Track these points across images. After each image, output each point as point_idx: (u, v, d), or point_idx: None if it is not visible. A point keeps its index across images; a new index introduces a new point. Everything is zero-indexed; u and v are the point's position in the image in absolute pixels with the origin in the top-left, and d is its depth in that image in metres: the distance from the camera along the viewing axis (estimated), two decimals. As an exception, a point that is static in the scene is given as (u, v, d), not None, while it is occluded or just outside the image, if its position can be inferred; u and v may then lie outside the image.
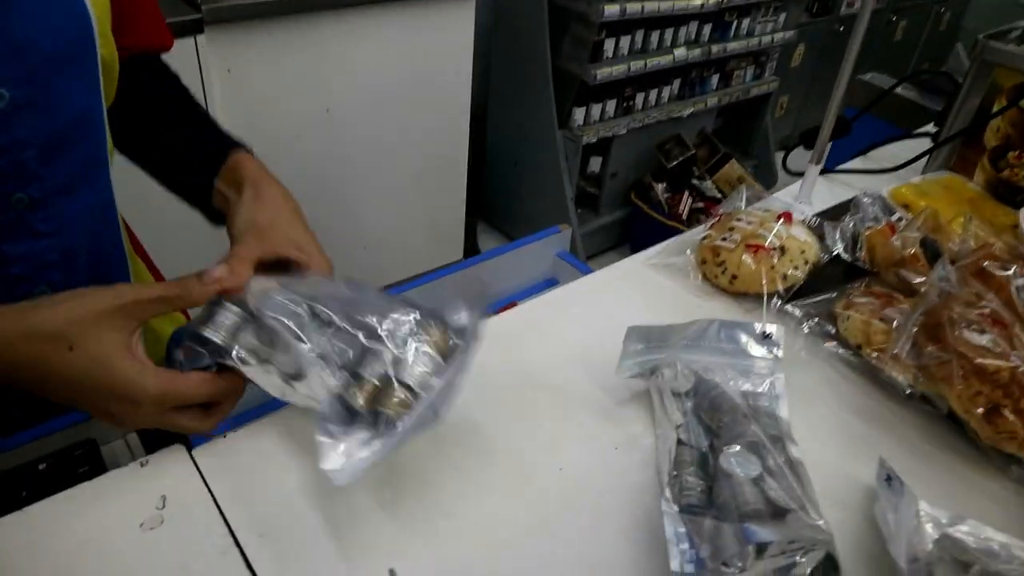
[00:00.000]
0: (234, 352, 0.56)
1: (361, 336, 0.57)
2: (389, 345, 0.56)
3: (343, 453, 0.52)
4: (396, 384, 0.55)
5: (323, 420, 0.53)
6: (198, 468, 0.60)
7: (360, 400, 0.54)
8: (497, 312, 1.14)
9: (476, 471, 0.62)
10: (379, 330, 0.57)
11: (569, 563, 0.56)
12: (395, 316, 0.58)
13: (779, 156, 3.38)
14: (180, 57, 1.56)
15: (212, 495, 0.58)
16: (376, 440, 0.53)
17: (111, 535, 0.54)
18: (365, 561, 0.54)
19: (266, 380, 0.57)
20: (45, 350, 0.48)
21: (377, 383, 0.55)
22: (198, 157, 0.70)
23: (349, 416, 0.54)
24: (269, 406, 0.77)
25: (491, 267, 1.18)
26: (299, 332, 0.56)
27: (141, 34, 0.70)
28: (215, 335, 0.56)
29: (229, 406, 0.58)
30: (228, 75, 1.67)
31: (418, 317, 0.58)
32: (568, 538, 0.58)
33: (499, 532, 0.58)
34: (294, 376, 0.57)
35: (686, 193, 2.62)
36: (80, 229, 0.63)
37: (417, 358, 0.56)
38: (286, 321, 0.56)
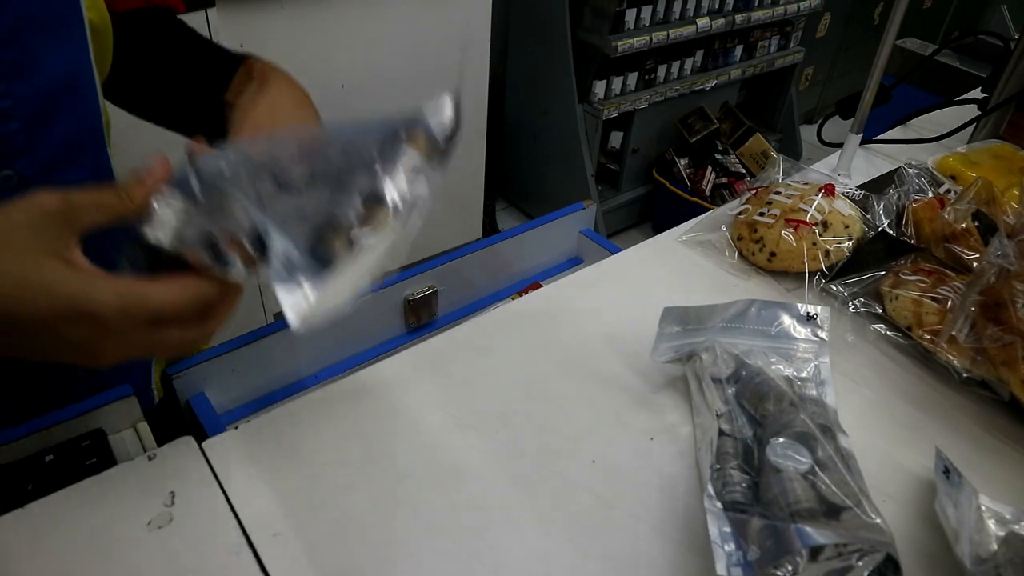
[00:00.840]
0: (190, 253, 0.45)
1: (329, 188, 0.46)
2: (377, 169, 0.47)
3: (308, 294, 0.43)
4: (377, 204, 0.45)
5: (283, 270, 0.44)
6: (208, 462, 0.57)
7: (337, 244, 0.45)
8: (521, 293, 1.10)
9: (503, 462, 0.58)
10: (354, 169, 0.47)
11: (604, 560, 0.52)
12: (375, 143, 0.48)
13: (804, 129, 3.31)
14: (190, 31, 1.53)
15: (223, 491, 0.54)
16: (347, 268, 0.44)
17: (117, 534, 0.51)
18: (387, 561, 0.51)
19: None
20: None
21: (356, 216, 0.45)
22: (208, 81, 0.65)
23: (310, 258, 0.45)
24: (279, 393, 0.74)
25: (513, 245, 1.14)
26: (251, 198, 0.46)
27: None
28: (161, 235, 0.45)
29: (226, 307, 0.47)
30: (240, 50, 1.63)
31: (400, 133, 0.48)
32: (602, 534, 0.54)
33: (529, 528, 0.54)
34: (259, 253, 0.46)
35: (709, 168, 2.55)
36: None
37: (403, 169, 0.47)
38: (236, 193, 0.46)
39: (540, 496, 0.56)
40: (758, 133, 2.66)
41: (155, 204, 0.46)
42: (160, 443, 0.59)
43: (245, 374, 0.76)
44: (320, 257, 0.45)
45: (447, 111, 0.49)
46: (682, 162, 2.56)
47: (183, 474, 0.56)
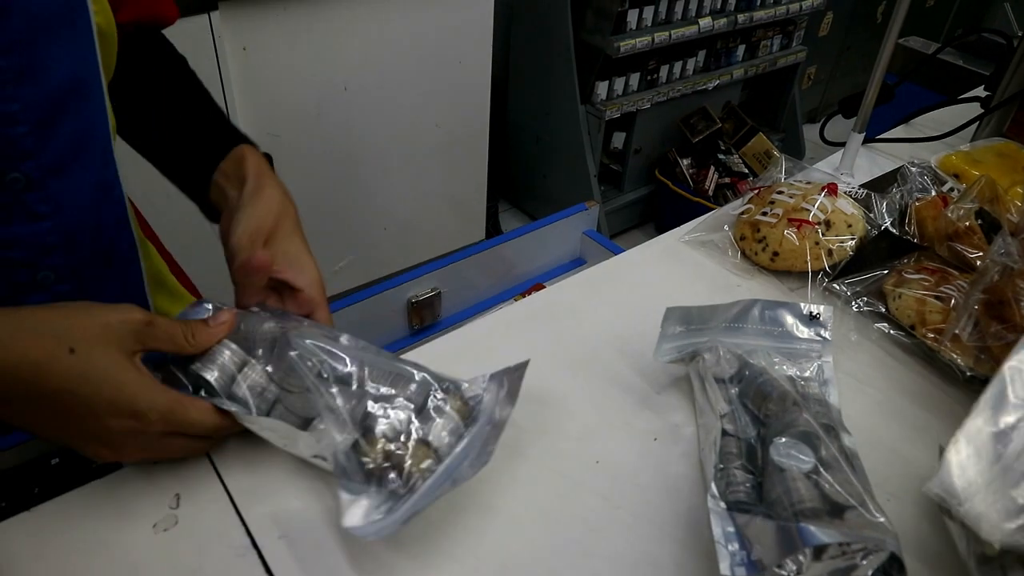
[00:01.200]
0: (237, 390, 0.54)
1: (373, 393, 0.54)
2: (407, 403, 0.54)
3: (364, 510, 0.49)
4: (415, 443, 0.52)
5: (342, 475, 0.50)
6: (214, 465, 0.57)
7: (372, 456, 0.51)
8: (524, 294, 1.10)
9: (506, 462, 0.58)
10: (395, 390, 0.55)
11: (608, 560, 0.52)
12: (411, 376, 0.56)
13: (807, 128, 3.30)
14: (194, 36, 1.54)
15: (229, 493, 0.55)
16: (399, 503, 0.49)
17: (122, 536, 0.51)
18: (393, 564, 0.51)
19: (265, 426, 0.54)
20: (44, 347, 0.45)
21: (390, 441, 0.52)
22: (199, 146, 0.66)
23: (362, 473, 0.51)
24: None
25: (516, 247, 1.14)
26: (320, 376, 0.54)
27: (143, 4, 0.67)
28: (210, 374, 0.53)
29: (220, 440, 0.57)
30: (244, 53, 1.64)
31: (435, 382, 0.56)
32: (607, 535, 0.54)
33: (533, 528, 0.54)
34: (304, 423, 0.54)
35: (712, 168, 2.55)
36: (82, 210, 0.59)
37: (439, 419, 0.54)
38: (308, 363, 0.54)
39: (543, 497, 0.56)
40: (761, 133, 2.66)
41: (215, 349, 0.54)
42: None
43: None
44: (357, 460, 0.51)
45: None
46: (685, 162, 2.56)
47: (188, 476, 0.56)
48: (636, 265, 0.82)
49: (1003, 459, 0.51)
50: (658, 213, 2.79)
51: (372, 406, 0.53)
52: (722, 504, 0.51)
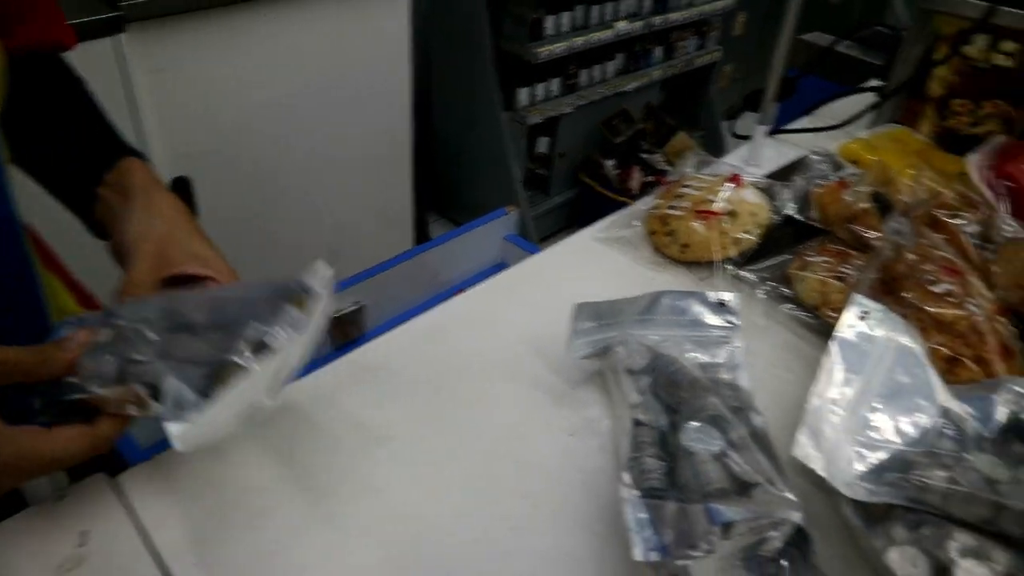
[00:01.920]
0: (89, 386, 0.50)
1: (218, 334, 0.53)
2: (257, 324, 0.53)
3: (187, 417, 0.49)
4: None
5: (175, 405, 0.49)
6: (123, 495, 0.55)
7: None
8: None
9: (425, 470, 0.58)
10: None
11: (530, 558, 0.53)
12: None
13: (727, 126, 3.39)
14: (100, 60, 1.49)
15: (140, 524, 0.53)
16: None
17: (25, 578, 0.49)
18: (309, 579, 0.50)
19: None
20: None
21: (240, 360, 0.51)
22: (84, 161, 0.63)
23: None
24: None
25: (438, 255, 1.14)
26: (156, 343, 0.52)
27: (34, 30, 0.64)
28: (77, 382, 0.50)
29: (116, 436, 0.51)
30: (158, 75, 1.60)
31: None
32: (528, 534, 0.54)
33: (457, 532, 0.54)
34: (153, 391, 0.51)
35: (636, 168, 2.59)
36: None
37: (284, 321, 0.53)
38: (139, 329, 0.51)
39: (464, 501, 0.56)
40: (682, 132, 2.72)
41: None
42: (73, 482, 0.57)
43: (166, 403, 0.74)
44: (209, 395, 0.50)
45: (322, 273, 0.57)
46: (609, 163, 2.60)
47: (96, 512, 0.54)
48: (551, 265, 0.83)
49: (843, 418, 0.56)
50: (585, 215, 2.81)
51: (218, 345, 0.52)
52: (635, 492, 0.52)
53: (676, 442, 0.54)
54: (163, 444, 0.72)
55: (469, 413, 0.64)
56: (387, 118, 2.15)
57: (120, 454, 0.69)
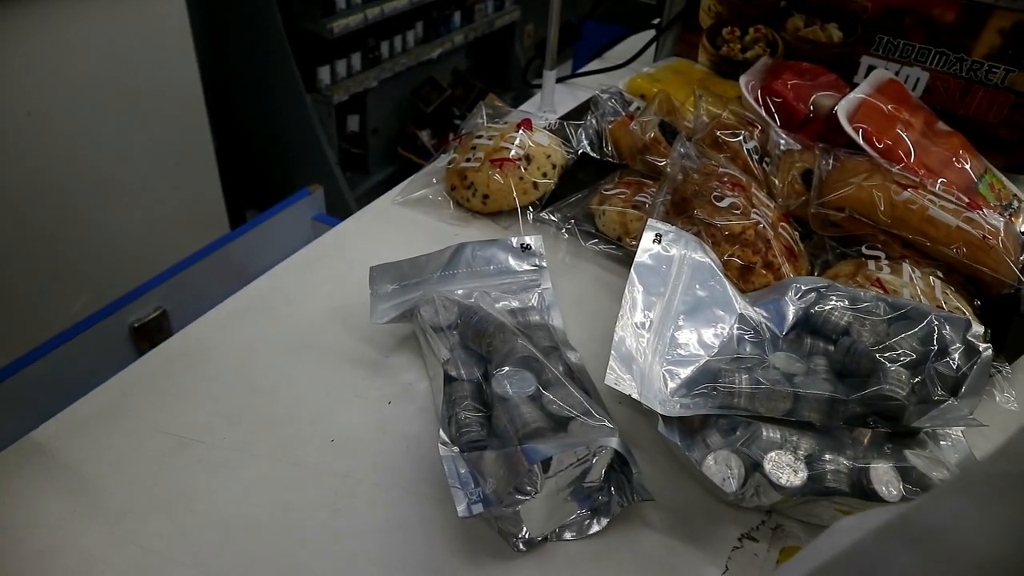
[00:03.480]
0: None
1: None
2: None
3: None
4: None
5: None
6: None
7: None
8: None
9: (237, 467, 0.54)
10: None
11: (360, 537, 0.50)
12: None
13: (536, 84, 3.44)
14: None
15: None
16: None
17: None
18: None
19: None
20: None
21: None
22: None
23: None
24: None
25: (243, 245, 1.07)
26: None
27: None
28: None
29: None
30: None
31: None
32: (354, 512, 0.51)
33: (275, 526, 0.50)
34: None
35: (451, 135, 2.58)
36: None
37: None
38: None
39: (282, 492, 0.52)
40: (492, 93, 2.72)
41: None
42: None
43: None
44: None
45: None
46: (424, 134, 2.57)
47: None
48: (353, 235, 0.79)
49: (650, 340, 0.57)
50: (411, 189, 2.78)
51: None
52: (455, 448, 0.50)
53: (490, 391, 0.53)
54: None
55: (277, 399, 0.59)
56: (180, 114, 2.00)
57: None
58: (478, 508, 0.46)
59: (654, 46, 1.16)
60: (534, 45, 3.61)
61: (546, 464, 0.47)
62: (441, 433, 0.50)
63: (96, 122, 1.80)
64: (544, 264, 0.68)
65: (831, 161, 0.78)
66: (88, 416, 0.58)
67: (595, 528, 0.51)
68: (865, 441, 0.52)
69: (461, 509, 0.46)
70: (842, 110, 0.82)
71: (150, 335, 1.00)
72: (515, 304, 0.64)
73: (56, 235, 1.81)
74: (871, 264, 0.68)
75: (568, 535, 0.51)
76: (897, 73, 0.94)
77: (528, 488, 0.47)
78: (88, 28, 1.68)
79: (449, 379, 0.55)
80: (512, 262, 0.67)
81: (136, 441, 0.56)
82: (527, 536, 0.50)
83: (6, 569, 0.47)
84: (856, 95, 0.85)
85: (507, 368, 0.53)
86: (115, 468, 0.54)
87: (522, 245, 0.68)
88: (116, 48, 1.77)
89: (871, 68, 0.96)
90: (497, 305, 0.63)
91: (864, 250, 0.70)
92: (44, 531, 0.50)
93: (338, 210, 1.98)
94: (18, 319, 1.72)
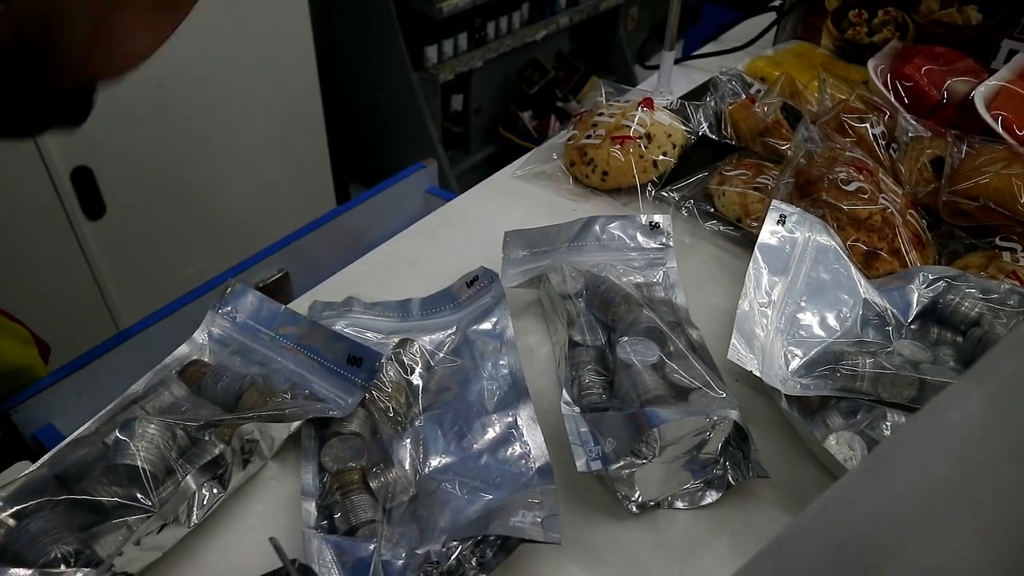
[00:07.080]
0: None
1: None
2: None
3: None
4: None
5: None
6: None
7: None
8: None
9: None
10: None
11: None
12: None
13: (638, 70, 3.40)
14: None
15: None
16: None
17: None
18: None
19: None
20: None
21: None
22: None
23: None
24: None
25: (359, 215, 1.11)
26: None
27: None
28: None
29: None
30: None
31: None
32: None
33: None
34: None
35: (553, 117, 2.59)
36: None
37: None
38: None
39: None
40: (594, 76, 2.72)
41: None
42: None
43: (95, 394, 0.70)
44: None
45: None
46: (526, 115, 2.59)
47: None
48: (472, 207, 0.82)
49: (772, 319, 0.58)
50: (509, 170, 2.81)
51: None
52: (576, 409, 0.52)
53: (614, 357, 0.55)
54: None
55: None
56: (295, 89, 2.09)
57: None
58: (596, 464, 0.48)
59: (774, 29, 1.14)
60: (637, 28, 3.58)
61: (665, 431, 0.48)
62: (564, 393, 0.52)
63: (219, 96, 1.89)
64: (671, 243, 0.69)
65: (964, 148, 0.76)
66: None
67: (708, 500, 0.52)
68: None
69: (580, 464, 0.48)
70: (979, 96, 0.79)
71: (272, 295, 1.06)
72: (640, 279, 0.65)
73: (175, 202, 1.92)
74: (1006, 256, 0.66)
75: (680, 504, 0.52)
76: (1041, 59, 0.90)
77: (646, 452, 0.48)
78: (215, 4, 1.77)
79: (573, 344, 0.57)
80: (640, 239, 0.68)
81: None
82: (640, 500, 0.51)
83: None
84: (995, 81, 0.82)
85: (631, 336, 0.55)
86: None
87: (651, 223, 0.68)
88: (240, 26, 1.85)
89: (1012, 52, 0.91)
90: (623, 279, 0.64)
91: (998, 241, 0.68)
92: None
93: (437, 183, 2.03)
94: (142, 280, 1.84)
